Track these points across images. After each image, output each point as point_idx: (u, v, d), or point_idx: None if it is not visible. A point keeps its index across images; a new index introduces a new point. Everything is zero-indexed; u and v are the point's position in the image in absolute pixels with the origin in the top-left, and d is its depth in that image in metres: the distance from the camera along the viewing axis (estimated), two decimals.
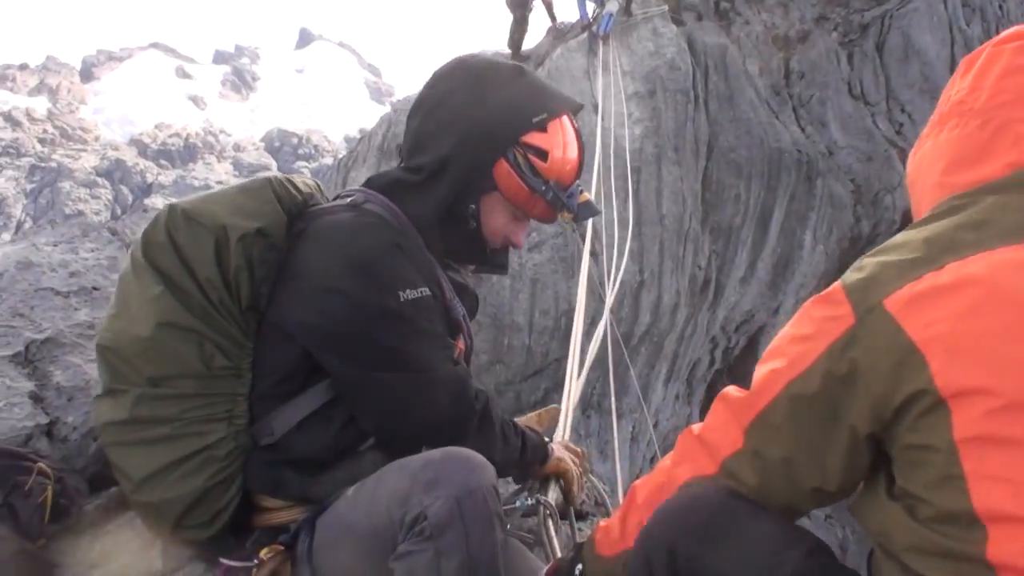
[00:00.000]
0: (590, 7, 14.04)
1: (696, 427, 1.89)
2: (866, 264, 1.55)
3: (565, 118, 2.54)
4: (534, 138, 2.46)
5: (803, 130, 14.11)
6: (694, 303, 12.24)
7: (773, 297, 13.62)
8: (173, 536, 2.41)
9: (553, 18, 15.67)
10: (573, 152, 2.54)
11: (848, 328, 1.50)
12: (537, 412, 3.21)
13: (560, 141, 2.50)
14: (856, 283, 1.52)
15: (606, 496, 2.83)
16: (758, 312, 13.54)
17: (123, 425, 2.31)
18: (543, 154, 2.47)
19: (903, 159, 14.38)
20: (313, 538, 2.28)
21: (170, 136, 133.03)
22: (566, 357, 9.67)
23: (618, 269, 6.86)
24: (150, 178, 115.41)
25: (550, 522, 2.61)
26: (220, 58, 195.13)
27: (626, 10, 13.80)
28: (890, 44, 15.32)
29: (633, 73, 12.29)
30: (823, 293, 1.59)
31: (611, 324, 4.99)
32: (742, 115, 12.90)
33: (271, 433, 2.35)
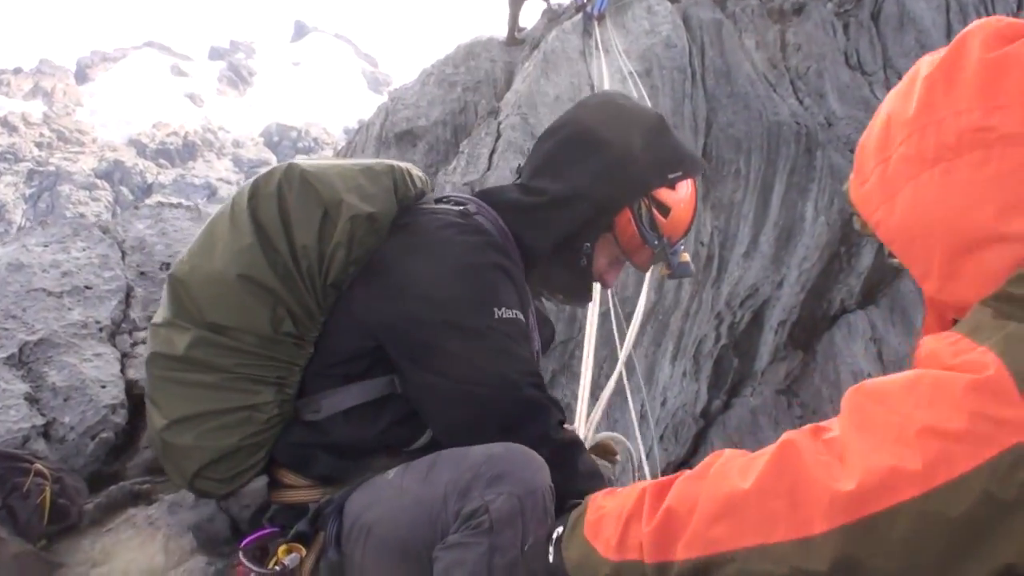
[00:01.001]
0: None
1: (740, 477, 1.38)
2: None
3: (692, 183, 2.61)
4: (662, 193, 2.52)
5: (801, 102, 14.04)
6: (698, 279, 12.20)
7: (776, 271, 13.57)
8: (189, 484, 2.43)
9: (546, 0, 15.62)
10: (689, 212, 2.60)
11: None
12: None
13: (684, 200, 2.56)
14: None
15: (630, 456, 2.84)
16: (762, 286, 13.49)
17: (174, 361, 2.32)
18: (666, 210, 2.53)
19: None
20: (342, 522, 2.24)
21: (168, 135, 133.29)
22: (572, 339, 9.65)
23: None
24: (150, 178, 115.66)
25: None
26: (215, 54, 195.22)
27: None
28: (885, 13, 15.25)
29: (629, 52, 12.21)
30: (977, 377, 1.16)
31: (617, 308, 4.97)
32: (739, 90, 12.83)
33: (317, 411, 2.35)
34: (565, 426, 2.33)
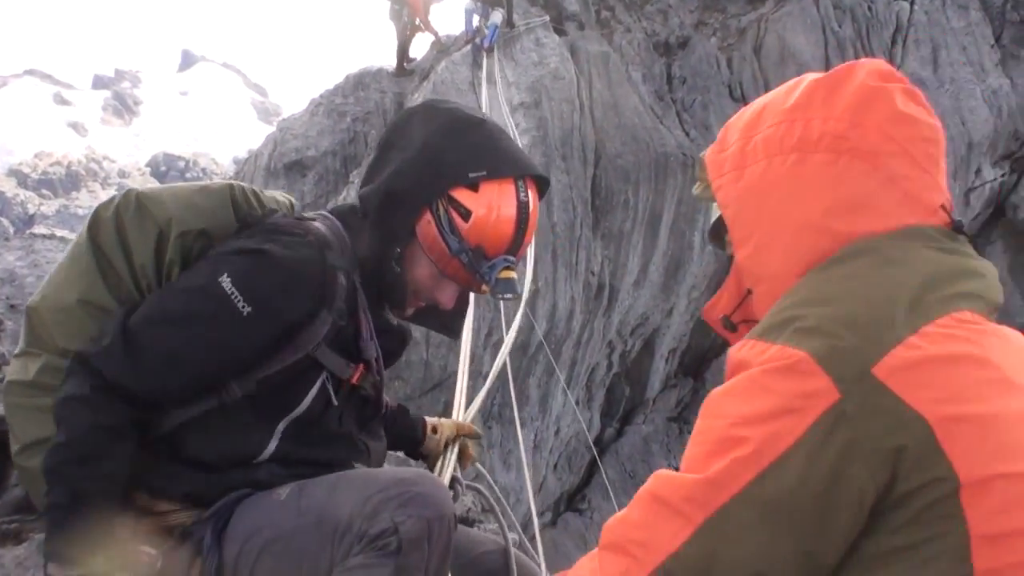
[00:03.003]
0: (475, 20, 14.10)
1: (618, 528, 1.46)
2: (813, 325, 1.31)
3: (512, 185, 2.31)
4: (463, 195, 2.26)
5: (687, 134, 14.35)
6: (589, 309, 12.32)
7: (666, 299, 13.80)
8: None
9: (434, 32, 15.69)
10: (507, 221, 2.29)
11: (832, 404, 1.23)
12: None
13: (492, 205, 2.27)
14: (824, 349, 1.27)
15: (494, 503, 2.79)
16: (652, 315, 13.70)
17: (24, 387, 2.26)
18: (466, 213, 2.27)
19: None
20: (223, 553, 2.17)
21: (51, 165, 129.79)
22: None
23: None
24: (32, 209, 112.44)
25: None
26: (100, 83, 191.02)
27: (508, 22, 13.87)
28: (767, 47, 15.71)
29: (518, 84, 12.33)
30: (781, 363, 1.30)
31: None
32: (627, 121, 13.05)
33: (160, 425, 2.25)
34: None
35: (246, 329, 2.16)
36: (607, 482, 11.40)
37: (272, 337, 2.20)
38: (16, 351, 2.38)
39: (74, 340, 2.23)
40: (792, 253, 1.51)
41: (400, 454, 3.04)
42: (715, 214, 1.72)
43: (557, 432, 12.58)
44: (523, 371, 11.13)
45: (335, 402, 2.35)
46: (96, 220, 2.31)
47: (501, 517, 2.75)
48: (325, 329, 2.27)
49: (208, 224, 2.32)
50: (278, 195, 2.58)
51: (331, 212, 2.51)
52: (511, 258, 2.32)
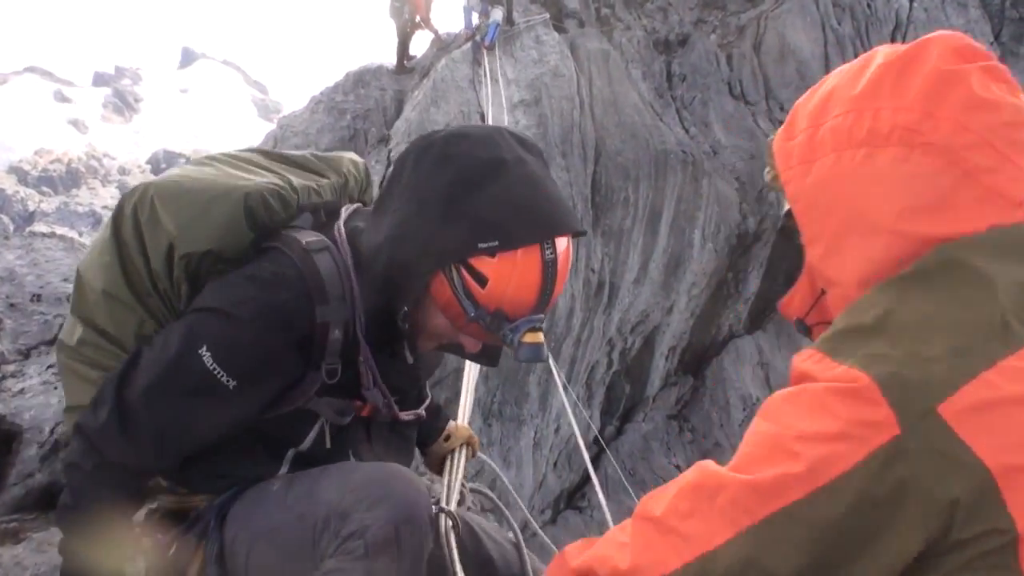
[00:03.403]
0: (475, 17, 14.09)
1: (656, 507, 1.41)
2: (883, 352, 1.23)
3: (536, 247, 1.99)
4: (478, 261, 1.99)
5: (687, 131, 14.34)
6: (589, 307, 12.31)
7: (666, 296, 13.79)
8: None
9: (434, 30, 15.67)
10: (531, 285, 2.01)
11: (891, 439, 1.16)
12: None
13: (512, 271, 2.00)
14: (891, 378, 1.19)
15: (498, 501, 2.81)
16: (652, 312, 13.69)
17: (70, 350, 2.31)
18: (483, 280, 2.00)
19: None
20: (223, 538, 2.21)
21: (51, 162, 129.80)
22: (463, 366, 9.63)
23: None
24: (32, 206, 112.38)
25: (451, 533, 2.57)
26: (100, 80, 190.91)
27: (508, 19, 13.86)
28: (766, 44, 15.71)
29: (518, 81, 12.32)
30: (846, 385, 1.23)
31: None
32: (627, 119, 13.04)
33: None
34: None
35: (236, 399, 2.12)
36: (613, 477, 11.41)
37: (264, 398, 2.17)
38: (71, 308, 2.41)
39: (107, 322, 2.28)
40: (864, 258, 1.41)
41: None
42: (786, 204, 1.59)
43: (557, 430, 12.58)
44: (523, 369, 11.13)
45: (328, 445, 2.29)
46: (120, 214, 2.31)
47: (507, 511, 2.77)
48: (316, 386, 2.21)
49: (214, 244, 2.21)
50: (327, 176, 2.48)
51: (350, 233, 2.29)
52: (536, 317, 2.05)
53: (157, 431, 2.11)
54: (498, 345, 2.23)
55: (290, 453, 2.31)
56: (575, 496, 13.71)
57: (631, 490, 12.89)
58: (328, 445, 2.30)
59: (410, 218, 2.07)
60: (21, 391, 3.04)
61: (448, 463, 2.84)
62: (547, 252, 1.98)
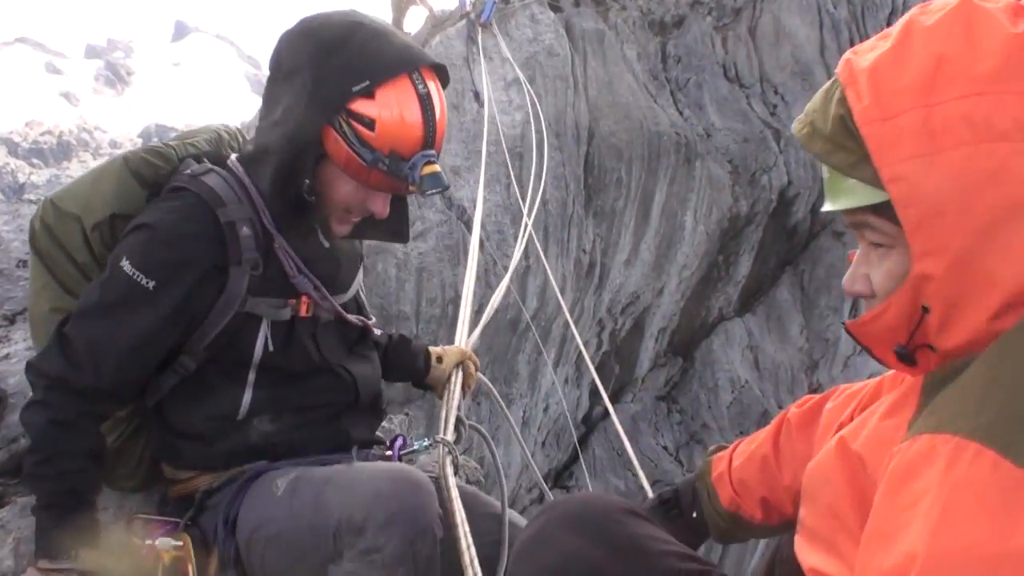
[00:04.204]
0: None
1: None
2: None
3: (407, 81, 2.25)
4: (360, 105, 2.21)
5: (681, 113, 14.31)
6: (580, 287, 12.31)
7: (657, 278, 13.79)
8: (111, 487, 2.58)
9: (429, 7, 15.59)
10: (413, 118, 2.25)
11: None
12: None
13: (393, 107, 2.22)
14: None
15: (480, 475, 2.83)
16: (643, 294, 13.69)
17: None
18: (370, 123, 2.22)
19: (778, 140, 14.75)
20: (236, 539, 2.32)
21: (42, 134, 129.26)
22: (453, 344, 9.63)
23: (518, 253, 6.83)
24: (22, 178, 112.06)
25: (448, 461, 2.61)
26: (92, 52, 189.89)
27: None
28: (762, 27, 15.67)
29: (512, 60, 12.28)
30: None
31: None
32: (621, 99, 13.00)
33: (147, 402, 2.42)
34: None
35: (156, 301, 2.22)
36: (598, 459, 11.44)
37: (183, 296, 2.25)
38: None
39: None
40: (1017, 276, 1.15)
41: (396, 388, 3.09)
42: (851, 199, 1.30)
43: (546, 409, 12.59)
44: (512, 348, 11.13)
45: (271, 347, 2.38)
46: (33, 233, 2.42)
47: (499, 464, 2.84)
48: (244, 282, 2.31)
49: (116, 207, 2.37)
50: (201, 134, 2.64)
51: (237, 158, 2.48)
52: (430, 152, 2.28)
53: (88, 342, 2.20)
54: (402, 193, 2.39)
55: (251, 376, 2.39)
56: (562, 475, 13.74)
57: (618, 470, 12.94)
58: (271, 348, 2.38)
59: (290, 92, 2.27)
60: (6, 356, 3.04)
61: (445, 390, 2.96)
62: (419, 86, 2.25)
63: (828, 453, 1.40)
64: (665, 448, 14.07)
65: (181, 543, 2.28)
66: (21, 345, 3.08)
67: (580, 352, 13.07)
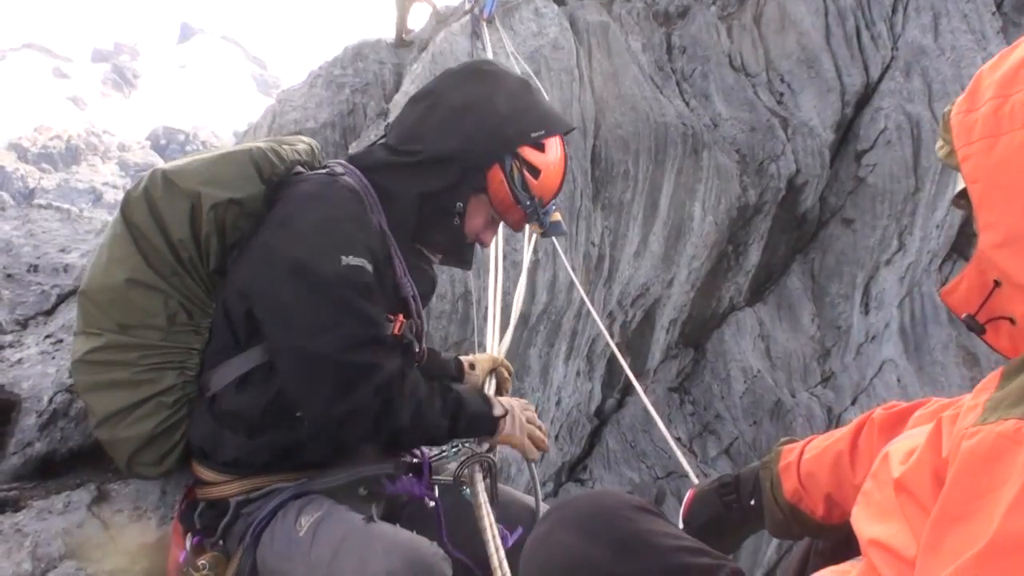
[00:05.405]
0: None
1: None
2: None
3: (558, 139, 2.69)
4: (530, 154, 2.61)
5: (687, 104, 14.29)
6: (589, 280, 12.31)
7: (667, 270, 13.78)
8: (128, 470, 2.65)
9: (432, 3, 15.59)
10: (559, 174, 2.69)
11: None
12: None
13: (553, 162, 2.65)
14: None
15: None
16: (653, 285, 13.69)
17: (92, 364, 2.48)
18: (536, 171, 2.62)
19: (785, 128, 14.70)
20: (255, 559, 2.41)
21: (51, 139, 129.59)
22: (465, 340, 9.63)
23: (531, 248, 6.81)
24: (32, 183, 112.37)
25: (479, 472, 2.65)
26: (99, 56, 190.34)
27: None
28: (767, 16, 15.60)
29: (517, 54, 12.27)
30: None
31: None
32: (627, 92, 12.98)
33: (209, 387, 2.50)
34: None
35: (377, 280, 2.44)
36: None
37: (384, 267, 2.52)
38: (76, 330, 2.57)
39: (130, 315, 2.44)
40: None
41: None
42: (959, 183, 1.40)
43: (558, 403, 12.60)
44: (524, 342, 11.14)
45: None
46: (128, 202, 2.46)
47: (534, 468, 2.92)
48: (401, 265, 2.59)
49: (235, 193, 2.46)
50: (299, 143, 2.77)
51: (351, 161, 2.67)
52: (556, 201, 2.76)
53: (354, 320, 2.35)
54: (517, 230, 2.86)
55: None
56: (576, 468, 13.75)
57: (632, 462, 12.94)
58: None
59: (476, 125, 2.55)
60: (19, 361, 3.05)
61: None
62: (565, 147, 2.72)
63: (920, 432, 1.41)
64: (678, 439, 14.06)
65: (215, 563, 2.40)
66: (34, 349, 3.09)
67: (591, 346, 13.09)
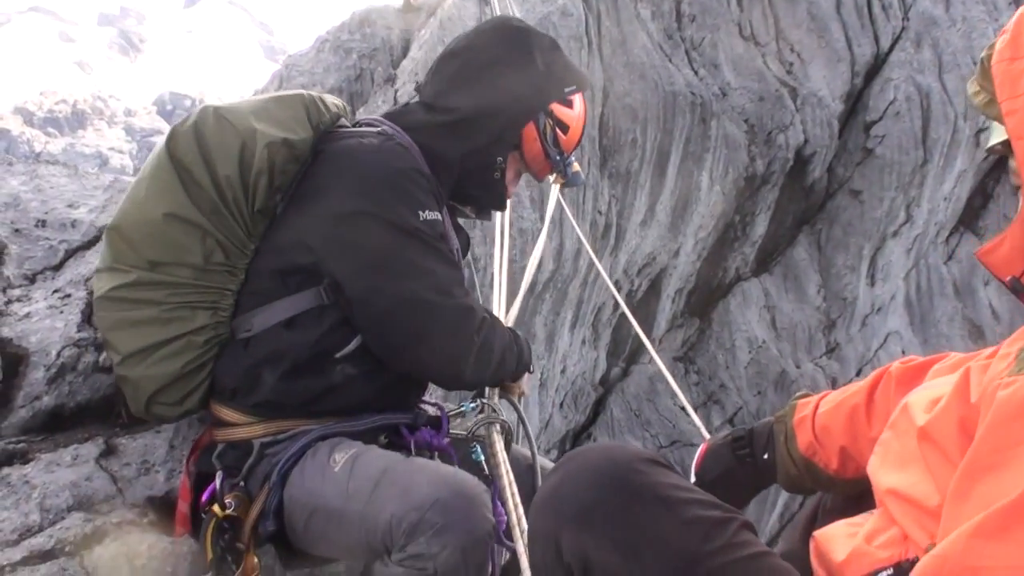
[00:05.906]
0: None
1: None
2: None
3: (581, 96, 2.90)
4: (560, 111, 2.81)
5: (696, 73, 14.20)
6: (596, 248, 12.29)
7: (673, 239, 13.75)
8: (145, 411, 2.65)
9: None
10: (581, 128, 2.91)
11: None
12: None
13: (578, 117, 2.87)
14: None
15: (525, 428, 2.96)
16: (659, 255, 13.67)
17: (118, 301, 2.48)
18: (565, 127, 2.81)
19: (794, 98, 14.62)
20: (282, 496, 2.42)
21: (57, 103, 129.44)
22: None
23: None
24: (38, 147, 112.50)
25: (496, 428, 2.76)
26: (105, 20, 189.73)
27: None
28: None
29: (526, 21, 12.19)
30: None
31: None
32: (635, 60, 12.90)
33: (249, 328, 2.51)
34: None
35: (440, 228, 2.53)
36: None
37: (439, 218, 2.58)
38: (100, 266, 2.56)
39: (164, 252, 2.43)
40: None
41: None
42: (997, 135, 1.36)
43: (563, 371, 12.62)
44: (530, 310, 11.14)
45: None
46: (174, 136, 2.45)
47: (530, 430, 3.03)
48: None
49: (288, 133, 2.47)
50: (337, 100, 2.80)
51: (388, 118, 2.74)
52: (575, 152, 2.94)
53: (445, 265, 2.49)
54: (539, 179, 3.02)
55: None
56: (581, 437, 13.80)
57: (636, 431, 12.98)
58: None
59: (516, 82, 2.66)
60: (27, 315, 3.06)
61: None
62: (586, 103, 2.90)
63: (944, 381, 1.39)
64: (683, 409, 14.09)
65: (239, 502, 2.40)
66: (42, 304, 3.10)
67: (597, 315, 13.09)
